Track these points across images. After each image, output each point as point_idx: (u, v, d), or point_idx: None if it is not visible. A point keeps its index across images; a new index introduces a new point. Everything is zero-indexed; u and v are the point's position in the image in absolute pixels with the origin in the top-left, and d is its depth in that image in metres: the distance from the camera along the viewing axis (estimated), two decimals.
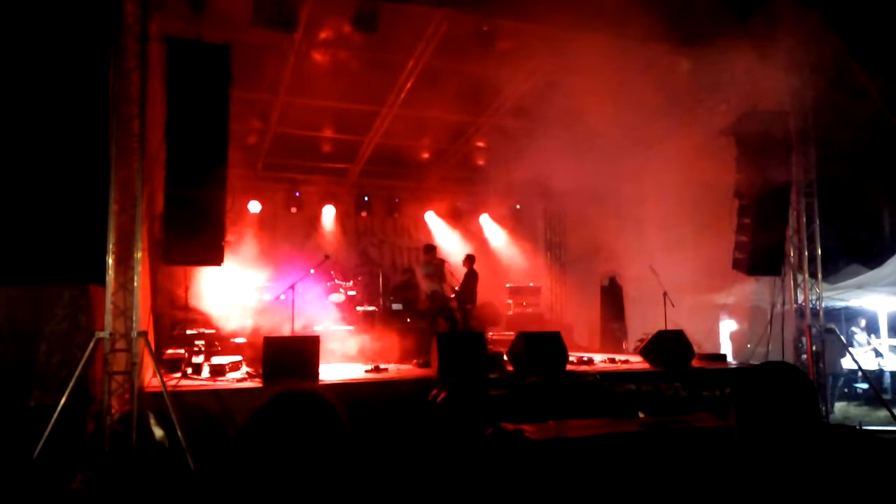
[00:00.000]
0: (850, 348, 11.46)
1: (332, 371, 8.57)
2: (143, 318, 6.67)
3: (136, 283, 6.52)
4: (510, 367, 8.86)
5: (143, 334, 6.52)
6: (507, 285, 14.94)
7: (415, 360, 9.94)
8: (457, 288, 11.40)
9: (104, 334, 6.33)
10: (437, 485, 5.73)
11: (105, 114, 6.56)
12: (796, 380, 1.79)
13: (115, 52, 6.64)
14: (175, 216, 7.01)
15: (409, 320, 11.59)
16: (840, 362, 11.28)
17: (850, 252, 14.16)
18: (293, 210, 14.02)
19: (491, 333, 11.67)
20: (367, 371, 8.73)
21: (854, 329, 13.05)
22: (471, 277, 11.84)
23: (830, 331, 10.05)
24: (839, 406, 11.51)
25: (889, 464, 1.64)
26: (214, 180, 7.14)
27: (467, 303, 11.57)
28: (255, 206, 13.50)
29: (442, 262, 11.67)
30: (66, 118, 6.47)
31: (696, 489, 1.88)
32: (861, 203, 15.03)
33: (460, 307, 11.36)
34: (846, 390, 12.21)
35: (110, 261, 6.44)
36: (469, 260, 12.29)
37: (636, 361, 9.99)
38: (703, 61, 8.54)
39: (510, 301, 14.85)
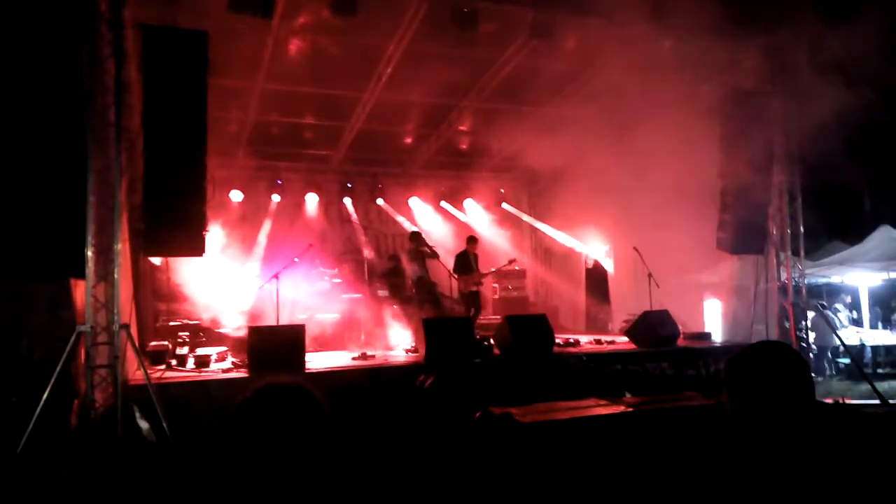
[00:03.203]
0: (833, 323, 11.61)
1: (319, 359, 8.53)
2: (124, 310, 6.59)
3: (116, 276, 6.43)
4: (497, 351, 8.86)
5: (126, 327, 6.44)
6: (492, 269, 14.93)
7: (402, 347, 9.93)
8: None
9: (85, 328, 6.24)
10: (426, 470, 5.73)
11: (81, 104, 6.42)
12: (790, 359, 1.77)
13: (89, 41, 6.49)
14: (155, 206, 6.89)
15: (395, 307, 11.55)
16: (832, 336, 11.42)
17: (832, 229, 14.30)
18: (276, 198, 13.89)
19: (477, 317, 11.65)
20: (353, 358, 8.71)
21: (837, 306, 13.20)
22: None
23: (821, 307, 10.15)
24: (821, 381, 11.63)
25: (882, 441, 1.64)
26: (194, 169, 7.03)
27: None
28: (236, 196, 13.35)
29: (429, 247, 11.61)
30: (39, 109, 6.29)
31: (685, 468, 1.87)
32: (842, 180, 15.15)
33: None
34: (828, 365, 12.36)
35: (90, 253, 6.33)
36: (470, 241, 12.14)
37: (622, 342, 10.04)
38: (686, 40, 8.51)
39: (496, 285, 14.85)
